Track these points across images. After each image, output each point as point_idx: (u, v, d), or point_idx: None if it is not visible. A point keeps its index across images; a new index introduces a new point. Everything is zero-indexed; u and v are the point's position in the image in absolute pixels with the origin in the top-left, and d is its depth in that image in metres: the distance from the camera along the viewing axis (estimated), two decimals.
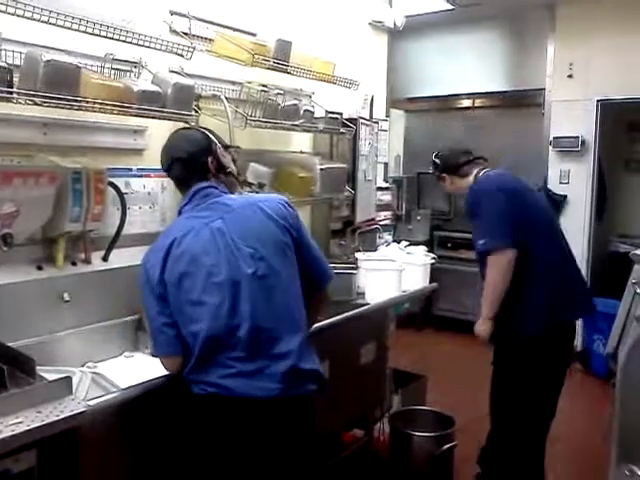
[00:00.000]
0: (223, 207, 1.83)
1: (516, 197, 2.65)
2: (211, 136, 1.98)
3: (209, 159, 1.92)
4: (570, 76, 5.39)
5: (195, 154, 1.91)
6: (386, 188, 4.53)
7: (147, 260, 1.79)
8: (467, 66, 6.11)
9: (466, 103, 6.49)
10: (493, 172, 2.80)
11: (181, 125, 2.52)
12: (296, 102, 3.09)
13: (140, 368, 1.85)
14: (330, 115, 3.33)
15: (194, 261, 1.72)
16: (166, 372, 1.81)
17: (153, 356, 1.83)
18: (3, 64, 1.84)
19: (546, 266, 2.63)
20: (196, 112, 2.58)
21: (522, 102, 6.05)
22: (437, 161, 2.94)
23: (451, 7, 5.37)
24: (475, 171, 2.82)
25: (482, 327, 2.69)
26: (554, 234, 2.74)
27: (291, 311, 1.79)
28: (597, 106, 5.24)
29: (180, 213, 1.91)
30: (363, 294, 2.98)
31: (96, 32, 2.08)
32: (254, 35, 3.03)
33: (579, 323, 5.22)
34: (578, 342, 5.29)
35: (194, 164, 1.91)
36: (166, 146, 1.98)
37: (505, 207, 2.59)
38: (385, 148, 4.49)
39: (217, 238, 1.75)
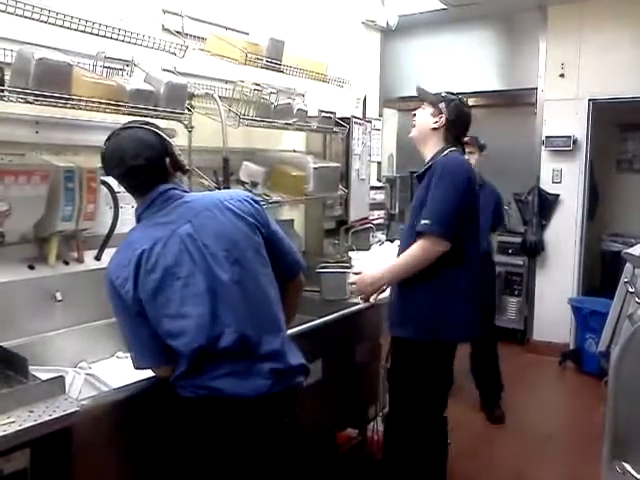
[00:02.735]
0: (188, 210, 1.74)
1: (473, 193, 2.48)
2: (162, 134, 1.82)
3: (167, 160, 1.79)
4: (562, 75, 5.40)
5: (155, 159, 1.76)
6: (379, 187, 4.53)
7: (115, 276, 1.68)
8: (460, 65, 6.11)
9: None
10: (462, 157, 2.56)
11: (173, 124, 2.52)
12: (289, 101, 3.09)
13: (133, 368, 1.84)
14: (323, 114, 3.33)
15: (167, 274, 1.65)
16: None
17: (138, 368, 1.77)
18: None
19: (467, 272, 2.49)
20: (189, 111, 2.58)
21: (514, 101, 6.07)
22: (455, 106, 2.55)
23: (444, 6, 5.38)
24: (447, 146, 2.53)
25: (372, 287, 2.54)
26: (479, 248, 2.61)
27: (270, 312, 1.77)
28: (588, 105, 5.26)
29: (139, 219, 1.79)
30: None
31: (88, 30, 2.08)
32: (247, 34, 3.03)
33: (571, 322, 5.26)
34: (570, 341, 5.32)
35: (153, 169, 1.76)
36: (115, 151, 1.76)
37: (464, 200, 2.42)
38: (378, 147, 4.50)
39: (188, 245, 1.68)
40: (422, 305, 2.45)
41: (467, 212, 2.44)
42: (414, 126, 2.62)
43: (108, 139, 1.80)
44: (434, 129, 2.54)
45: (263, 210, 1.85)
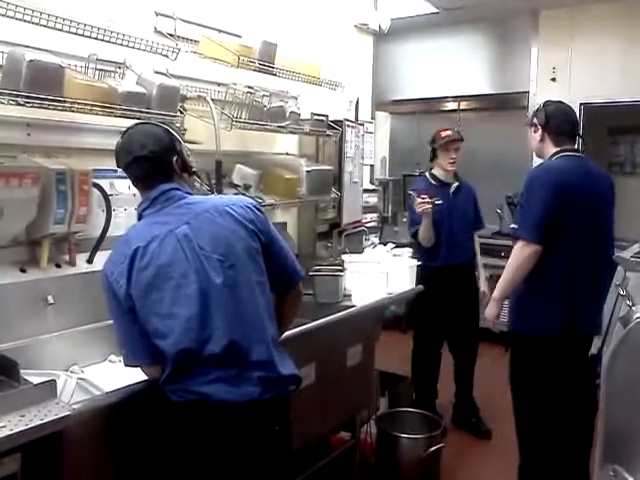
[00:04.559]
0: (188, 211, 1.74)
1: (565, 197, 2.57)
2: (174, 133, 1.86)
3: (174, 158, 1.81)
4: (553, 79, 5.44)
5: (161, 153, 1.78)
6: (372, 190, 4.53)
7: (110, 272, 1.69)
8: (452, 69, 6.14)
9: (451, 105, 6.53)
10: (561, 162, 2.68)
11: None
12: (282, 104, 3.09)
13: (125, 372, 1.83)
14: (316, 117, 3.33)
15: (161, 272, 1.65)
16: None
17: (127, 366, 1.78)
18: None
19: (565, 270, 2.61)
20: (181, 113, 2.57)
21: (507, 105, 6.09)
22: (543, 110, 2.75)
23: (436, 10, 5.41)
24: (558, 149, 2.70)
25: (487, 308, 2.84)
26: (584, 242, 2.62)
27: (261, 320, 1.74)
28: (580, 109, 5.29)
29: (140, 217, 1.80)
30: (350, 296, 2.98)
31: (80, 32, 2.07)
32: (240, 37, 3.03)
33: None
34: None
35: (159, 164, 1.79)
36: (125, 142, 1.81)
37: (550, 204, 2.55)
38: (371, 150, 4.50)
39: (183, 246, 1.67)
40: (514, 298, 2.76)
41: (555, 217, 2.56)
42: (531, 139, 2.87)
43: (123, 134, 1.85)
44: (541, 141, 2.77)
45: (266, 218, 1.85)
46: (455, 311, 3.84)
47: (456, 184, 3.84)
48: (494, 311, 2.81)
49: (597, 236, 2.66)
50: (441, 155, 3.79)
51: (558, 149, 2.71)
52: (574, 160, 2.70)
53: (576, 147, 2.77)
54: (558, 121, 2.73)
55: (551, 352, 2.64)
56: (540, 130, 2.76)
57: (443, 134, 3.78)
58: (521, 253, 2.60)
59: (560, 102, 2.83)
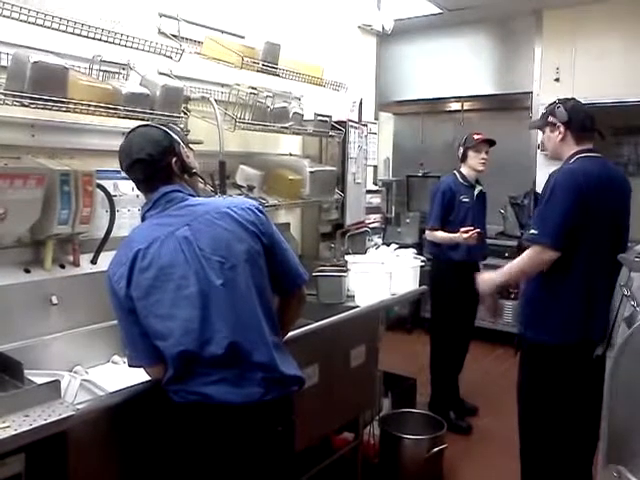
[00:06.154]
0: (189, 213, 1.74)
1: (588, 203, 2.47)
2: (173, 134, 1.84)
3: (173, 160, 1.80)
4: (557, 80, 5.43)
5: (157, 155, 1.78)
6: (375, 191, 4.53)
7: (112, 274, 1.71)
8: (455, 69, 6.14)
9: (455, 106, 6.52)
10: (583, 165, 2.55)
11: None
12: (285, 105, 3.09)
13: (129, 372, 1.83)
14: (319, 118, 3.33)
15: (161, 274, 1.66)
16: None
17: (131, 366, 1.78)
18: None
19: (585, 277, 2.53)
20: (185, 114, 2.58)
21: (510, 105, 6.09)
22: (562, 108, 2.63)
23: (439, 11, 5.41)
24: (578, 149, 2.60)
25: (485, 279, 2.76)
26: (605, 248, 2.54)
27: (260, 322, 1.73)
28: None
29: (144, 218, 1.81)
30: (353, 297, 2.98)
31: (84, 34, 2.08)
32: (243, 38, 3.03)
33: None
34: None
35: (157, 166, 1.78)
36: (125, 145, 1.82)
37: (573, 211, 2.46)
38: (374, 151, 4.50)
39: (184, 248, 1.68)
40: (529, 303, 2.67)
41: (577, 223, 2.47)
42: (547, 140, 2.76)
43: (125, 137, 1.85)
44: (562, 140, 2.65)
45: (268, 220, 1.84)
46: (463, 307, 3.96)
47: (480, 188, 4.04)
48: (487, 289, 2.77)
49: (616, 242, 2.56)
50: (472, 155, 3.95)
51: (578, 149, 2.60)
52: (596, 162, 2.59)
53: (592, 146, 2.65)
54: (581, 118, 2.61)
55: (564, 359, 2.56)
56: (562, 128, 2.62)
57: (476, 136, 3.94)
58: (537, 257, 2.51)
59: (574, 99, 2.73)
